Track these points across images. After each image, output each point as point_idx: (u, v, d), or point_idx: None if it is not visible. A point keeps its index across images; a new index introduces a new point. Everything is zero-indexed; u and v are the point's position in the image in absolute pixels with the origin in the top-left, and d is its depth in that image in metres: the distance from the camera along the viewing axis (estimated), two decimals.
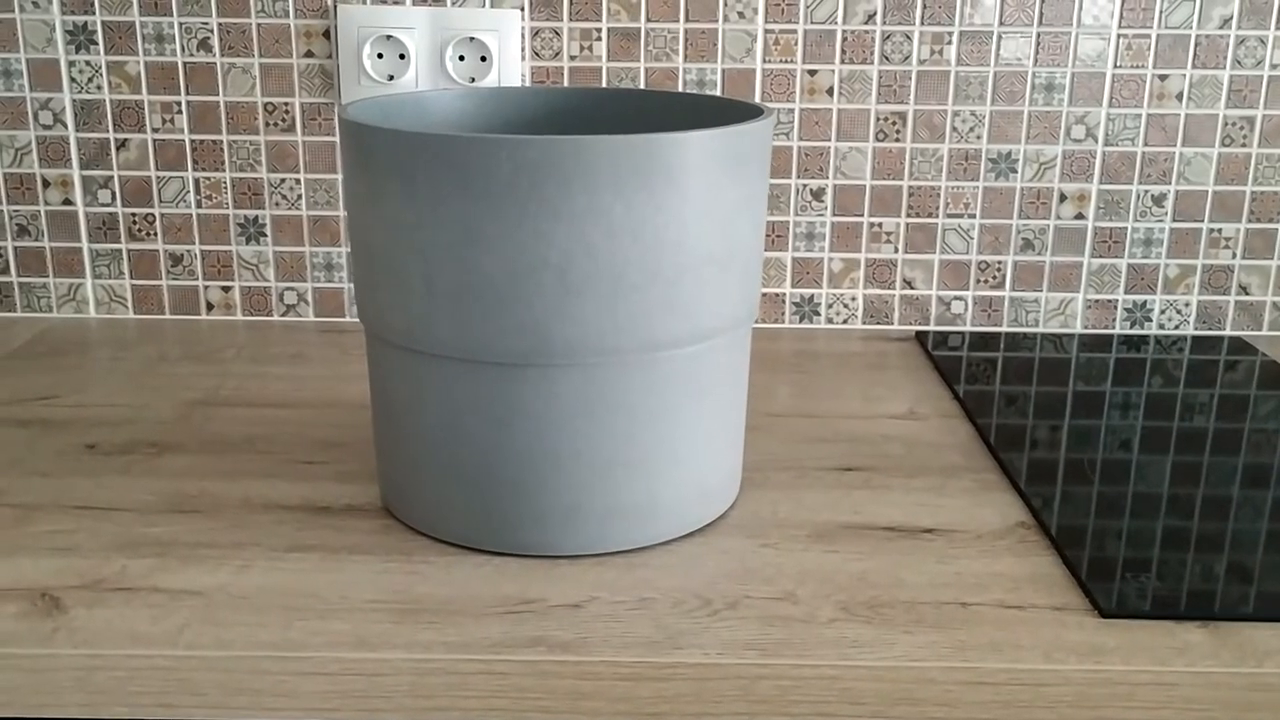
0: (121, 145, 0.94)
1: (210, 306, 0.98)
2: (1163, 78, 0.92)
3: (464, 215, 0.55)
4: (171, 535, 0.62)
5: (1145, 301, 0.98)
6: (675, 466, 0.61)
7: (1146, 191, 0.95)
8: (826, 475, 0.70)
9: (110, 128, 0.94)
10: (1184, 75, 0.92)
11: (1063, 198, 0.95)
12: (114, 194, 0.95)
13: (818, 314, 0.98)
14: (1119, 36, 0.91)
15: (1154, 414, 0.80)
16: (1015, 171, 0.95)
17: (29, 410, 0.78)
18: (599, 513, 0.60)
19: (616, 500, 0.60)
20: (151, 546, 0.61)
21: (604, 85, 0.93)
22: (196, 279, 0.97)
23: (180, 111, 0.94)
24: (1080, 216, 0.96)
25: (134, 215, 0.96)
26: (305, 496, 0.67)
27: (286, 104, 0.93)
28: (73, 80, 0.93)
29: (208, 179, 0.95)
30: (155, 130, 0.94)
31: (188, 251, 0.97)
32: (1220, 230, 0.96)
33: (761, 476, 0.70)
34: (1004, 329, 0.98)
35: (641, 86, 0.93)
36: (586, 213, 0.55)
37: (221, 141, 0.94)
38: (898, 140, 0.94)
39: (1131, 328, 0.98)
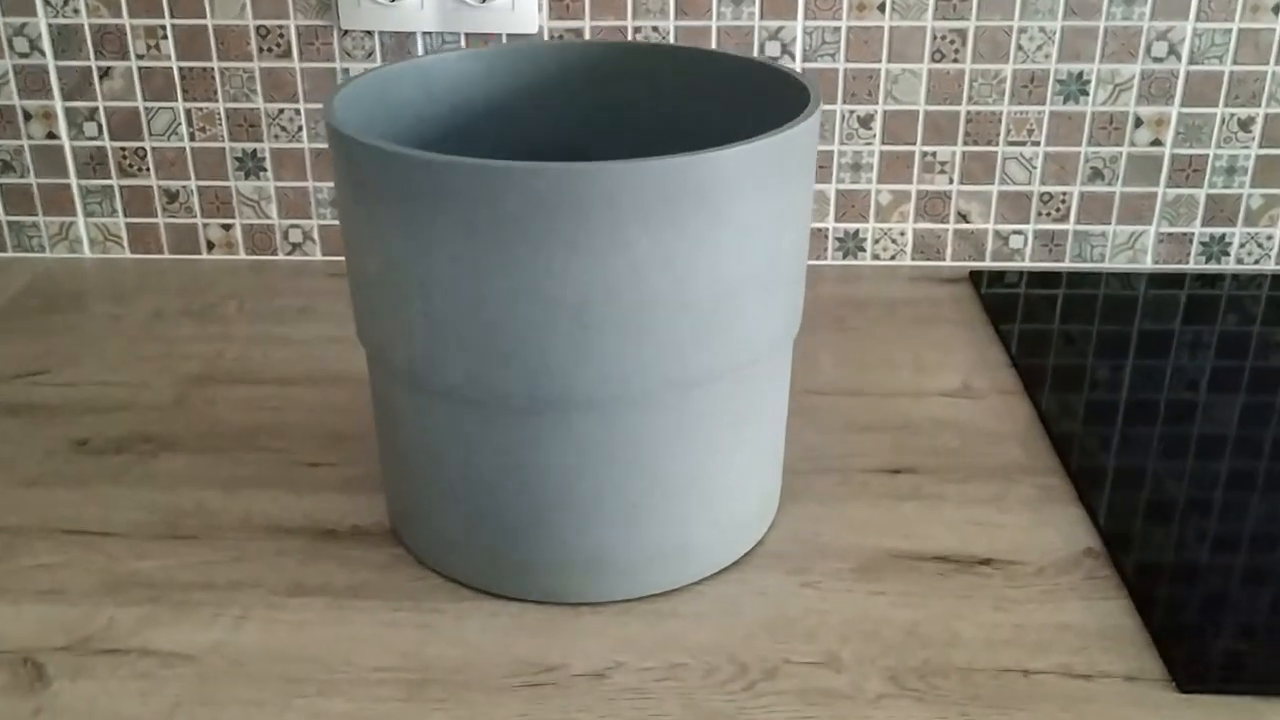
0: (105, 74, 0.86)
1: (211, 245, 0.92)
2: None
3: (467, 249, 0.48)
4: (165, 573, 0.58)
5: (1224, 234, 0.89)
6: (709, 505, 0.55)
7: (1233, 115, 0.86)
8: (873, 480, 0.65)
9: (91, 55, 0.86)
10: None
11: (1139, 122, 0.86)
12: (100, 127, 0.88)
13: (863, 250, 0.91)
14: None
15: (1225, 357, 0.73)
16: (1086, 94, 0.85)
17: (18, 392, 0.73)
18: (624, 560, 0.55)
19: (643, 547, 0.54)
20: (143, 589, 0.56)
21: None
22: (195, 216, 0.91)
23: (165, 37, 0.85)
24: (1157, 143, 0.87)
25: (123, 149, 0.89)
26: (309, 514, 0.62)
27: (281, 28, 0.85)
28: (48, 4, 0.84)
29: (200, 110, 0.87)
30: (140, 57, 0.86)
31: (183, 188, 0.90)
32: None
33: (802, 482, 0.64)
34: (1066, 265, 0.90)
35: (672, 19, 0.83)
36: (608, 248, 0.48)
37: (212, 69, 0.86)
38: (956, 61, 0.85)
39: (1207, 263, 0.90)
